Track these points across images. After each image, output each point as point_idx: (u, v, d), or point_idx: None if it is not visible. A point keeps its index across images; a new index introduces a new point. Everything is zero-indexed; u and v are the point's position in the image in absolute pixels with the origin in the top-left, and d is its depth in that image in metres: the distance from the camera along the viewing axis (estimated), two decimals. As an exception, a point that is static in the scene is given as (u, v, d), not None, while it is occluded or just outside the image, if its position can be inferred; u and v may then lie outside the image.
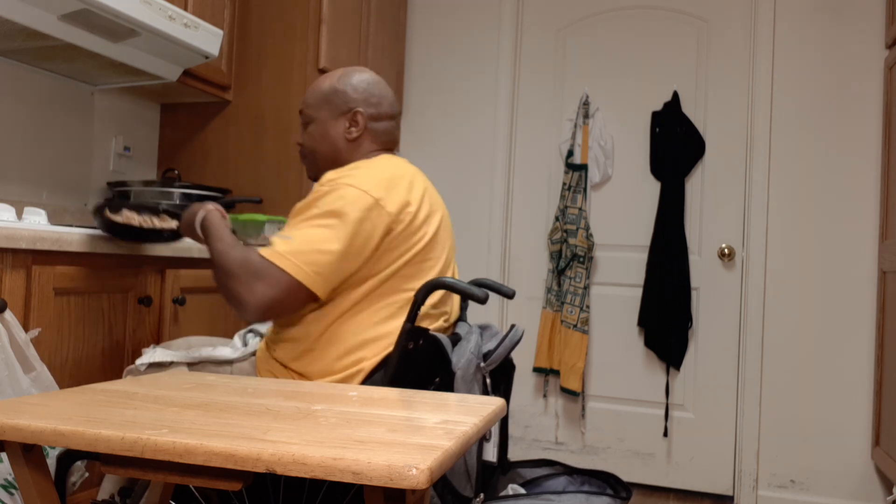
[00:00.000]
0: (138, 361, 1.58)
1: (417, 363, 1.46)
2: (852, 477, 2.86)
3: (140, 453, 0.81)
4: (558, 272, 3.17)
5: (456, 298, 1.75)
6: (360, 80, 1.68)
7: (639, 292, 3.15)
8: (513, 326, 1.65)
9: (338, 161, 1.66)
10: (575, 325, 3.11)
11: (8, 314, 1.42)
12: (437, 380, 1.48)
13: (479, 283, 1.83)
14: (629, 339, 3.17)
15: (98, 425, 0.85)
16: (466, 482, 1.44)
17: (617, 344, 3.19)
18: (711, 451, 3.05)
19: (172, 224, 1.80)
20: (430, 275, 1.56)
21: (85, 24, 2.06)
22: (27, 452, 0.93)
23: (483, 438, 1.52)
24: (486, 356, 1.55)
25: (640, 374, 3.15)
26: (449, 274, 1.66)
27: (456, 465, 1.41)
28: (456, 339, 1.57)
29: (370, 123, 1.66)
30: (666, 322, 3.05)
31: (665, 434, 3.10)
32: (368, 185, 1.47)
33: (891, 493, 2.69)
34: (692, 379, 3.09)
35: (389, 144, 1.70)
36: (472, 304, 2.92)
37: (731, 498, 3.01)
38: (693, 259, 3.11)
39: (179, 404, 0.99)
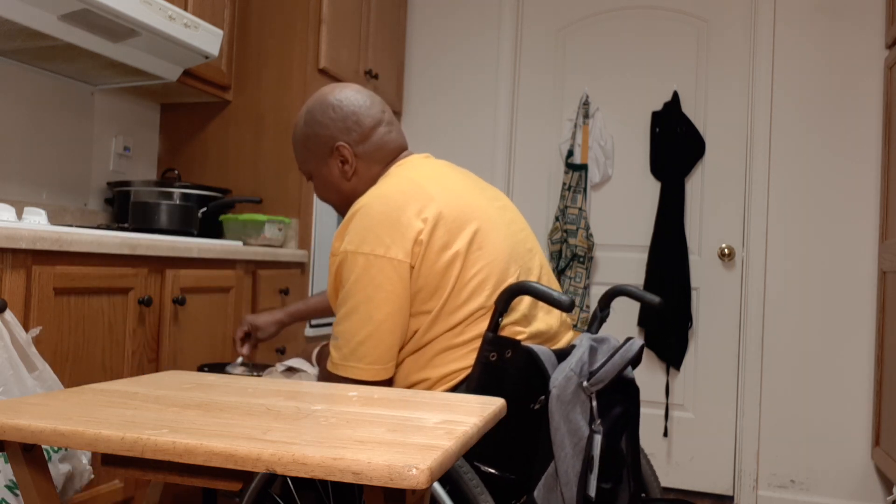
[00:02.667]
0: (279, 364, 1.61)
1: (507, 378, 1.31)
2: (852, 477, 2.86)
3: (140, 453, 0.81)
4: (558, 272, 3.17)
5: (555, 311, 1.54)
6: (323, 110, 1.53)
7: (639, 292, 3.15)
8: (628, 339, 1.39)
9: (352, 199, 1.58)
10: (575, 326, 3.11)
11: (8, 314, 1.42)
12: (542, 398, 1.31)
13: (619, 291, 1.66)
14: (629, 339, 3.18)
15: (98, 425, 0.85)
16: None
17: (617, 344, 3.19)
18: (711, 451, 3.05)
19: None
20: (478, 293, 1.39)
21: (85, 24, 2.06)
22: (27, 452, 0.93)
23: (587, 469, 1.31)
24: (593, 374, 1.34)
25: (640, 374, 3.15)
26: (515, 279, 1.44)
27: (552, 500, 1.27)
28: (567, 354, 1.38)
29: (358, 148, 1.52)
30: (666, 322, 3.05)
31: (665, 434, 3.10)
32: (371, 242, 1.37)
33: (891, 493, 2.69)
34: (692, 379, 3.09)
35: (392, 154, 1.56)
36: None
37: (731, 498, 3.01)
38: (693, 259, 3.11)
39: (179, 404, 0.99)
